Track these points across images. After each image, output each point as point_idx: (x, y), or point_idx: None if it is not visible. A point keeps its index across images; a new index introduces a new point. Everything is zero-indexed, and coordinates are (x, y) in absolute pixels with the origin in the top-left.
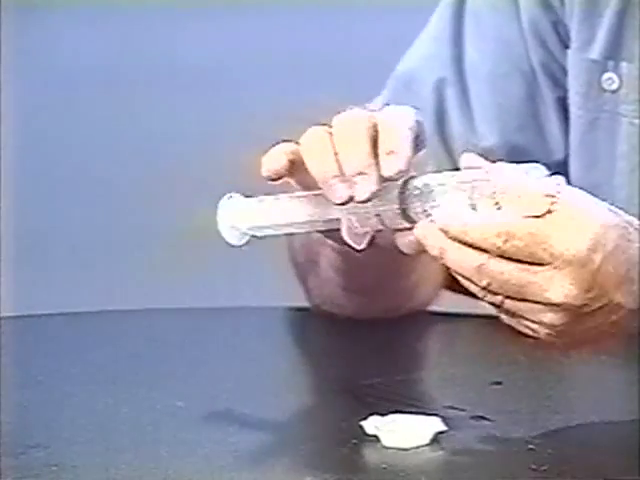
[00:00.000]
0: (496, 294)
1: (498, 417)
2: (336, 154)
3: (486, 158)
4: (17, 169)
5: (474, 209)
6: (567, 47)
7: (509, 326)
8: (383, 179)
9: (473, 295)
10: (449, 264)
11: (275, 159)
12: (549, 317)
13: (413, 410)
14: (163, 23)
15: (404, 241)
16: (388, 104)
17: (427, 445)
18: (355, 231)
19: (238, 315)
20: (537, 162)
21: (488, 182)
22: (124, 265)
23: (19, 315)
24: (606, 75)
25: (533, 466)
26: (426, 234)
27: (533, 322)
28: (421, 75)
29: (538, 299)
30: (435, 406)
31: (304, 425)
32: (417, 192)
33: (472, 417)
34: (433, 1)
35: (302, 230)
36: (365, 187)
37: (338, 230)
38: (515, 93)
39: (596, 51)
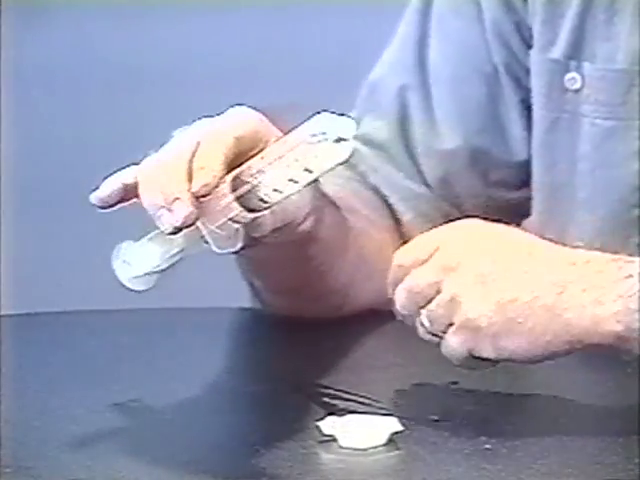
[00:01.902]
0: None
1: (454, 417)
2: (160, 183)
3: (449, 161)
4: (17, 169)
5: (295, 181)
6: (530, 47)
7: None
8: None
9: None
10: None
11: (105, 187)
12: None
13: (369, 410)
14: (163, 23)
15: (252, 225)
16: (360, 113)
17: (384, 445)
18: (222, 236)
19: (191, 316)
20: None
21: (292, 151)
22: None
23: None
24: (569, 75)
25: (489, 466)
26: None
27: None
28: (385, 82)
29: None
30: (392, 406)
31: (260, 425)
32: (247, 181)
33: (428, 417)
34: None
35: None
36: (179, 212)
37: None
38: (477, 95)
39: (558, 51)
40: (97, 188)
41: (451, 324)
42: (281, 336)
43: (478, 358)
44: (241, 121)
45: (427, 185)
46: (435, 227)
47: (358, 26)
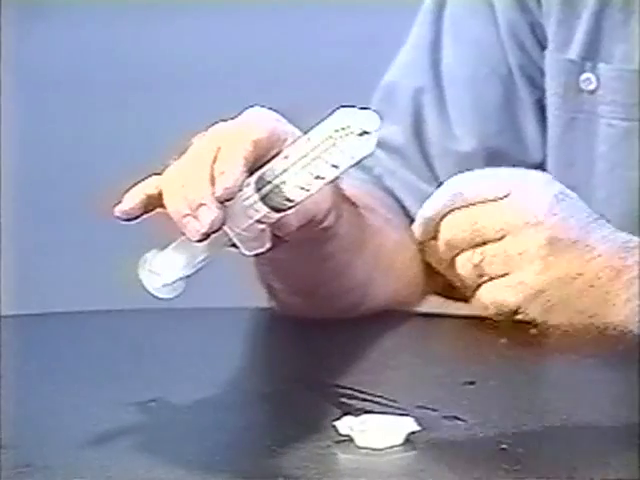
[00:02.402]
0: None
1: (471, 417)
2: (184, 190)
3: (465, 163)
4: (17, 169)
5: (321, 178)
6: (544, 48)
7: (482, 326)
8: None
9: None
10: None
11: (128, 199)
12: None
13: (386, 410)
14: (163, 23)
15: (277, 225)
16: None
17: (400, 445)
18: (249, 238)
19: (207, 316)
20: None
21: (316, 148)
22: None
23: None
24: (584, 76)
25: (506, 466)
26: None
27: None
28: (400, 84)
29: None
30: (408, 406)
31: (276, 425)
32: (271, 182)
33: (445, 417)
34: (417, 1)
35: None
36: (205, 218)
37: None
38: (493, 97)
39: (574, 52)
40: (120, 201)
41: (506, 274)
42: (297, 336)
43: (515, 312)
44: (259, 123)
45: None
46: None
47: (363, 26)
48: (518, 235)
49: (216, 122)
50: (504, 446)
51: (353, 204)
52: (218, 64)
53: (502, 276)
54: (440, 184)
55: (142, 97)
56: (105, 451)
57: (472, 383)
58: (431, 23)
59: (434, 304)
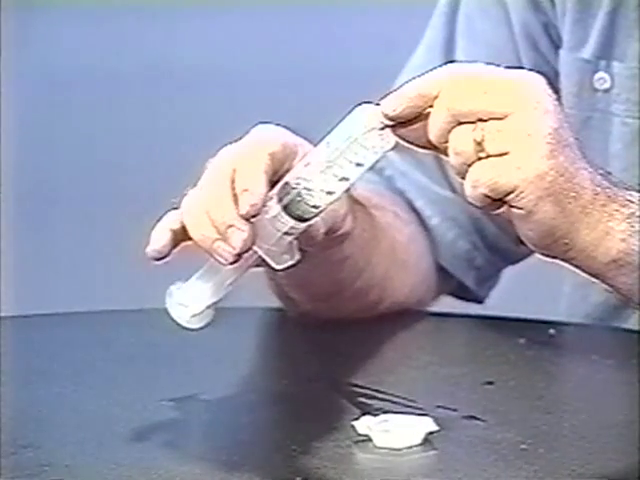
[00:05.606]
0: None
1: (490, 417)
2: (209, 216)
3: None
4: (17, 169)
5: (347, 179)
6: (558, 48)
7: (501, 326)
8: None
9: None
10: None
11: (157, 238)
12: None
13: (405, 410)
14: (162, 23)
15: (305, 236)
16: None
17: (419, 445)
18: (278, 252)
19: (225, 315)
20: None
21: (339, 150)
22: (117, 265)
23: (19, 315)
24: (598, 75)
25: (525, 466)
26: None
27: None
28: None
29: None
30: (427, 406)
31: (295, 425)
32: (293, 191)
33: (464, 417)
34: (429, 2)
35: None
36: (236, 239)
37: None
38: None
39: (588, 51)
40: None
41: (507, 153)
42: (316, 336)
43: (498, 201)
44: (270, 137)
45: (454, 190)
46: (462, 231)
47: (379, 27)
48: (527, 116)
49: (225, 144)
50: (523, 446)
51: (361, 204)
52: (217, 64)
53: (502, 155)
54: (452, 186)
55: (144, 97)
56: (125, 450)
57: (491, 383)
58: (444, 24)
59: (451, 304)
